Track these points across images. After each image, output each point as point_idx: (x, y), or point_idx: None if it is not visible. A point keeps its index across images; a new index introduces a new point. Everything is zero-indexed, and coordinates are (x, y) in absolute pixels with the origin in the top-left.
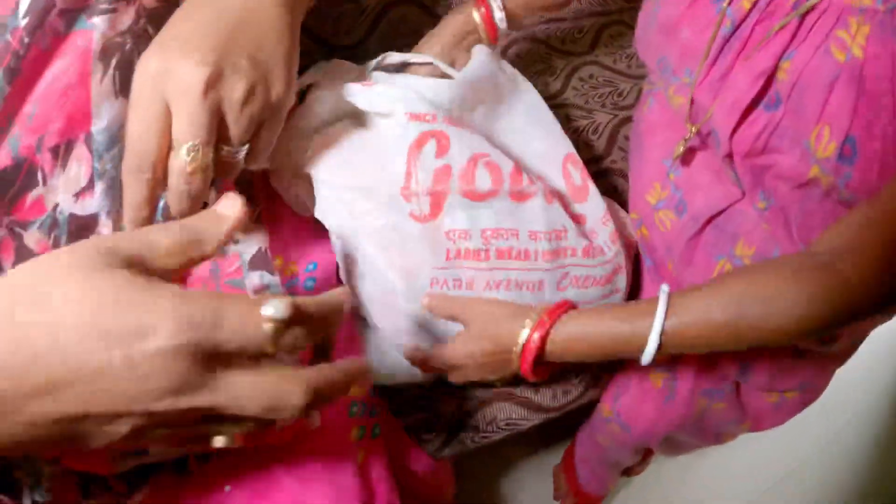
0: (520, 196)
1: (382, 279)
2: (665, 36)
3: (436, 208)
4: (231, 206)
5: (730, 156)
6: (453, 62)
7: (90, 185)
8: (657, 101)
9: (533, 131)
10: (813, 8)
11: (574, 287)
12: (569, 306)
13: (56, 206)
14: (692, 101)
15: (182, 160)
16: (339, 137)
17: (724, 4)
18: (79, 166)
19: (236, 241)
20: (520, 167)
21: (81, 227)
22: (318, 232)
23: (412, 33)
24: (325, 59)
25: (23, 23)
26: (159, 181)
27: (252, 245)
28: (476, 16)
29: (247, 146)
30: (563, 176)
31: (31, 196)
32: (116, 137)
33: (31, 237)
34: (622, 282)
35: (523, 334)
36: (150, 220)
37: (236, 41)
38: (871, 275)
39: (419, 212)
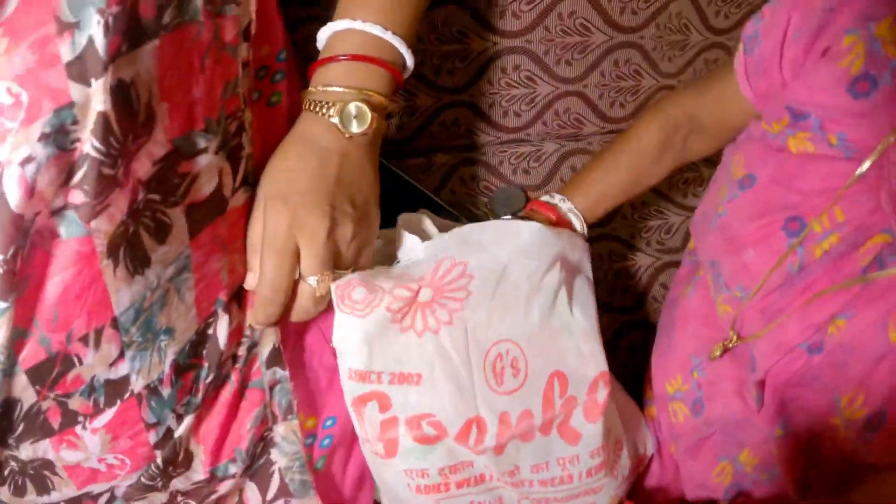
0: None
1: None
2: (726, 245)
3: (390, 451)
4: None
5: (761, 382)
6: None
7: (121, 356)
8: (697, 292)
9: (582, 332)
10: (878, 280)
11: None
12: None
13: (93, 376)
14: (740, 315)
15: (311, 287)
16: None
17: (796, 241)
18: (108, 344)
19: (256, 343)
20: (471, 425)
21: (116, 388)
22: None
23: (464, 134)
24: None
25: None
26: (285, 304)
27: (267, 344)
28: None
29: (352, 269)
30: (587, 391)
31: (70, 375)
32: (140, 310)
33: (75, 402)
34: (603, 500)
35: None
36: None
37: (341, 188)
38: None
39: (376, 451)
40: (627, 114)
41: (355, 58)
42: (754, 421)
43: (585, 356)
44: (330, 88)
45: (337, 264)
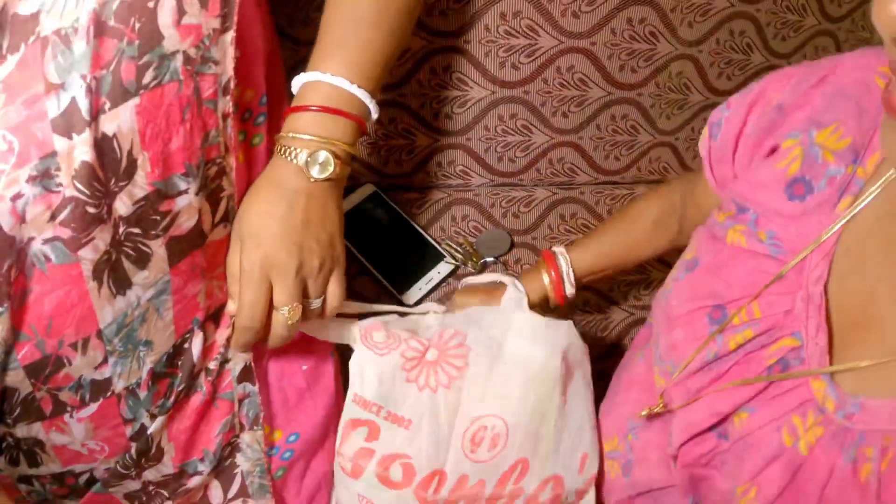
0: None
1: None
2: (664, 321)
3: (356, 473)
4: None
5: (675, 456)
6: None
7: (105, 361)
8: (645, 358)
9: (570, 431)
10: (781, 380)
11: None
12: None
13: (81, 376)
14: (668, 389)
15: (284, 316)
16: None
17: (717, 330)
18: (94, 351)
19: (228, 359)
20: (433, 476)
21: (99, 386)
22: (308, 399)
23: (459, 175)
24: (376, 184)
25: None
26: (261, 330)
27: (239, 361)
28: (546, 280)
29: (322, 297)
30: (537, 487)
31: (61, 373)
32: (122, 324)
33: (64, 395)
34: None
35: None
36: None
37: (307, 229)
38: None
39: (343, 467)
40: (622, 166)
41: (323, 109)
42: (675, 490)
43: (559, 454)
44: (299, 136)
45: (306, 295)
